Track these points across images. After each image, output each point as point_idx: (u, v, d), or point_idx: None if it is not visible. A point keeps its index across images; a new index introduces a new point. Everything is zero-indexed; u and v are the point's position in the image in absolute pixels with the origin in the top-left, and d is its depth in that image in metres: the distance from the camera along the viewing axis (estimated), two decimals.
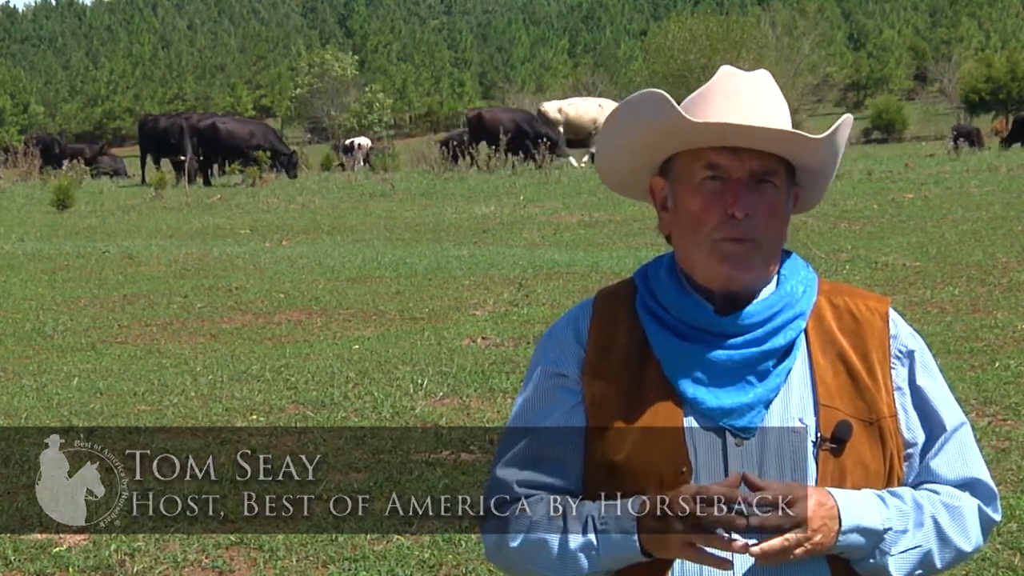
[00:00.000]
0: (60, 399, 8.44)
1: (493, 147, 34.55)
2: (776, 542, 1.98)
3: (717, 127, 2.09)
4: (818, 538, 2.00)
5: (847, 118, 2.20)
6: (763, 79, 2.19)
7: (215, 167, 36.11)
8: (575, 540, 2.10)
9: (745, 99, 2.13)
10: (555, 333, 2.27)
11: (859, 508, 2.05)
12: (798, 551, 1.99)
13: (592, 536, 2.09)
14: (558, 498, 2.17)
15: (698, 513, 1.98)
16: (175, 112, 50.51)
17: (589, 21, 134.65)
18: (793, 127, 2.16)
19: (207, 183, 34.37)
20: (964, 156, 33.88)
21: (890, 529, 2.07)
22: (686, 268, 2.19)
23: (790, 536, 1.98)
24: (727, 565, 2.02)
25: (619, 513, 2.08)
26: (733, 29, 58.84)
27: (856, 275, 12.70)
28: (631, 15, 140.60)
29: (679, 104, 2.17)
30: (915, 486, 2.18)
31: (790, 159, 2.16)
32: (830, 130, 2.14)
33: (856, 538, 2.04)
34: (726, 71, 2.19)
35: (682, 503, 1.99)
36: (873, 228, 17.40)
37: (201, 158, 35.33)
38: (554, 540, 2.12)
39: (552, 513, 2.14)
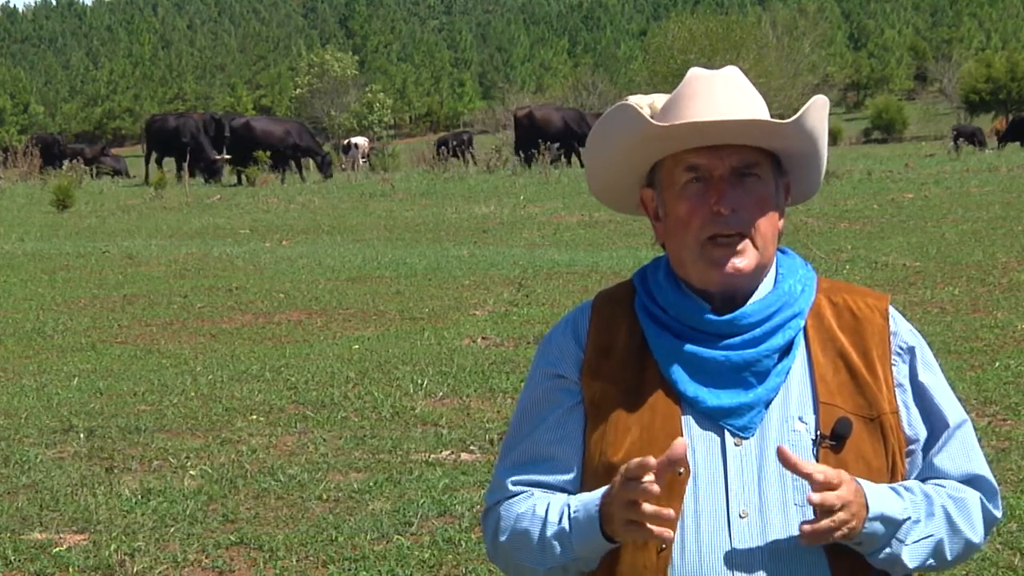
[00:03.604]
0: (60, 399, 8.44)
1: (544, 147, 34.05)
2: (826, 523, 1.98)
3: (683, 128, 2.10)
4: (853, 523, 2.01)
5: (817, 98, 2.18)
6: (729, 75, 2.19)
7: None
8: (551, 528, 2.13)
9: (711, 97, 2.13)
10: (554, 335, 2.28)
11: (882, 497, 2.06)
12: (838, 534, 2.00)
13: (566, 523, 2.11)
14: (549, 494, 2.18)
15: (615, 484, 1.99)
16: (182, 111, 50.34)
17: (589, 21, 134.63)
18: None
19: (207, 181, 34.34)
20: (964, 156, 33.91)
21: (909, 518, 2.08)
22: (681, 274, 2.19)
23: (836, 517, 1.99)
24: (668, 535, 1.98)
25: (589, 500, 2.09)
26: (733, 29, 58.89)
27: (856, 275, 12.70)
28: (631, 15, 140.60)
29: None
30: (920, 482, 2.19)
31: (767, 148, 2.16)
32: (798, 113, 2.14)
33: (878, 526, 2.05)
34: (693, 73, 2.20)
35: (616, 481, 2.00)
36: (873, 228, 17.40)
37: (222, 156, 35.38)
38: (535, 530, 2.15)
39: (537, 506, 2.15)
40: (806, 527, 1.98)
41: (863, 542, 2.06)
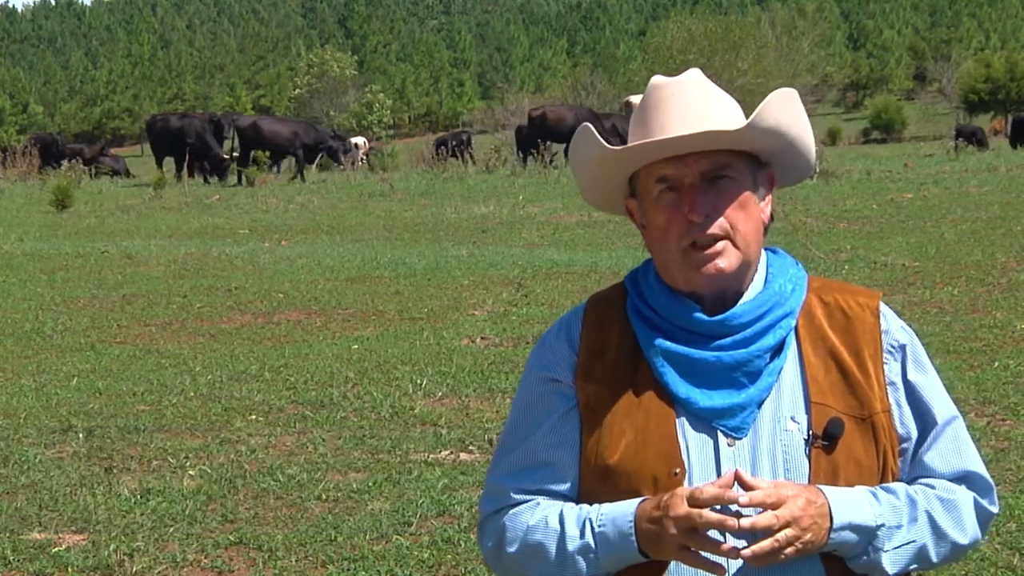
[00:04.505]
0: (59, 399, 8.44)
1: (544, 147, 34.07)
2: (766, 543, 1.99)
3: (638, 147, 2.12)
4: (808, 536, 2.01)
5: (774, 95, 2.16)
6: (689, 81, 2.19)
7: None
8: (573, 543, 2.11)
9: (669, 108, 2.14)
10: (548, 339, 2.29)
11: (851, 505, 2.06)
12: (788, 551, 2.00)
13: (590, 539, 2.10)
14: (555, 502, 2.17)
15: (691, 515, 1.99)
16: (184, 111, 50.24)
17: (588, 21, 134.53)
18: None
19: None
20: (964, 156, 33.89)
21: (883, 525, 2.08)
22: (668, 280, 2.20)
23: (780, 536, 1.99)
24: (720, 570, 2.02)
25: (616, 515, 2.08)
26: (732, 29, 58.90)
27: (855, 275, 12.71)
28: (630, 15, 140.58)
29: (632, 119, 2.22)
30: (910, 481, 2.19)
31: (735, 149, 2.15)
32: (751, 117, 2.13)
33: (848, 535, 2.05)
34: (654, 83, 2.21)
35: (675, 505, 2.00)
36: (872, 228, 17.40)
37: (232, 155, 35.48)
38: (551, 544, 2.13)
39: (549, 517, 2.14)
40: (746, 552, 1.99)
41: (837, 550, 2.07)
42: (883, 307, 2.24)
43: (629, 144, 2.15)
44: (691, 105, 2.13)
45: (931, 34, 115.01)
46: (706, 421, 2.13)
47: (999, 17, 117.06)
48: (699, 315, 2.16)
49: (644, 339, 2.19)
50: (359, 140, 47.93)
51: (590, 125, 2.19)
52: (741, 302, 2.17)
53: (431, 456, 6.83)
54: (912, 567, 2.14)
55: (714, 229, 2.11)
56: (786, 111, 2.17)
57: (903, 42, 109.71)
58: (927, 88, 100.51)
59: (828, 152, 35.32)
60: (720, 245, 2.12)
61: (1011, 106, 69.73)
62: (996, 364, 8.54)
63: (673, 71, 2.31)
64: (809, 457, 2.11)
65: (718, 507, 1.99)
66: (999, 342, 9.32)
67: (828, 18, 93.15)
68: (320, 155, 36.77)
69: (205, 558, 5.37)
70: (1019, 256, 13.79)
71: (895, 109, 74.16)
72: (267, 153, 34.97)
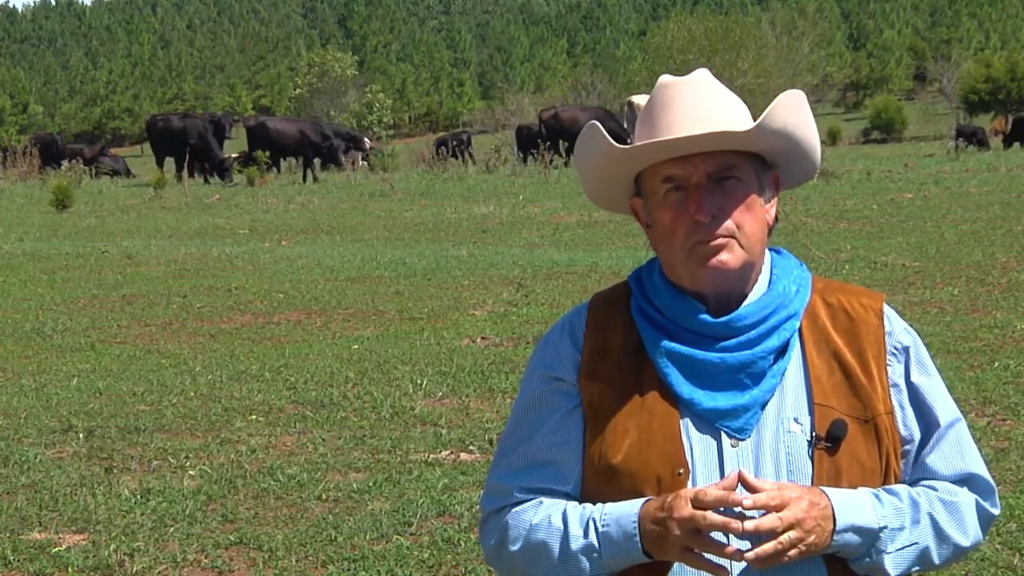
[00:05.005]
0: (59, 399, 8.44)
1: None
2: (770, 546, 1.99)
3: (646, 146, 2.12)
4: (812, 539, 2.01)
5: (783, 97, 2.16)
6: (696, 81, 2.18)
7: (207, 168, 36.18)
8: (576, 542, 2.11)
9: (678, 108, 2.13)
10: (551, 338, 2.28)
11: (854, 507, 2.06)
12: (792, 553, 2.00)
13: (593, 538, 2.10)
14: (558, 501, 2.17)
15: (694, 517, 1.99)
16: (185, 111, 50.25)
17: (588, 21, 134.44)
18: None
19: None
20: (964, 156, 33.90)
21: (885, 527, 2.08)
22: (673, 279, 2.19)
23: (783, 538, 1.99)
24: (724, 571, 2.02)
25: (620, 515, 2.08)
26: (732, 29, 58.94)
27: (856, 275, 12.71)
28: (630, 15, 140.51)
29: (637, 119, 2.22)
30: (913, 483, 2.19)
31: (742, 150, 2.16)
32: (759, 119, 2.13)
33: (851, 537, 2.05)
34: (662, 82, 2.21)
35: (679, 507, 2.00)
36: (873, 228, 17.40)
37: (230, 155, 35.58)
38: (555, 543, 2.13)
39: (552, 516, 2.14)
40: (749, 554, 1.99)
41: (840, 552, 2.07)
42: (887, 309, 2.24)
43: (636, 143, 2.15)
44: (699, 105, 2.13)
45: (931, 34, 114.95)
46: (710, 422, 2.13)
47: (999, 17, 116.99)
48: (704, 316, 2.16)
49: (648, 339, 2.19)
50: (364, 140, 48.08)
51: (598, 123, 2.19)
52: (745, 303, 2.17)
53: (431, 456, 6.83)
54: (914, 569, 2.14)
55: (720, 230, 2.11)
56: (794, 113, 2.17)
57: (903, 42, 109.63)
58: (927, 88, 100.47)
59: (828, 152, 35.33)
60: (725, 243, 2.12)
61: (1011, 106, 69.72)
62: (996, 364, 8.54)
63: (673, 71, 2.31)
64: (812, 459, 2.10)
65: (721, 509, 1.99)
66: (999, 342, 9.32)
67: (828, 18, 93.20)
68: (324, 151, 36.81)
69: (205, 558, 5.37)
70: (1019, 256, 13.80)
71: (895, 109, 74.09)
72: (267, 153, 34.95)
